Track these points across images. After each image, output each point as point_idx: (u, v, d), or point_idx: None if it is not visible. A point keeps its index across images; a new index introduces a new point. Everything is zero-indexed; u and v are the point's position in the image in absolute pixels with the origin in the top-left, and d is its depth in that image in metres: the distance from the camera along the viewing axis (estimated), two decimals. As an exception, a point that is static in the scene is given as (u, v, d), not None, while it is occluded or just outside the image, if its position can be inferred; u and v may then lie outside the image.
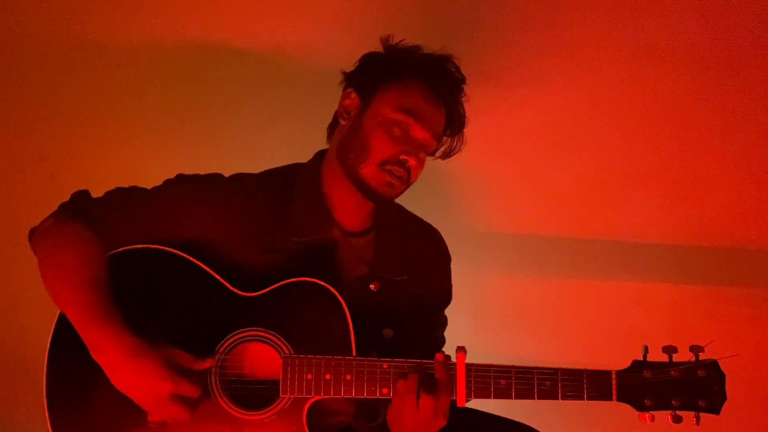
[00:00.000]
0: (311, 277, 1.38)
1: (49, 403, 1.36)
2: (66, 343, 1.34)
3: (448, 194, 1.99)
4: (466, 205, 2.01)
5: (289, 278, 1.39)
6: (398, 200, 1.53)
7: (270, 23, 1.92)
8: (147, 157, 1.95)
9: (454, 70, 1.51)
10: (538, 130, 1.95)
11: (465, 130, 1.56)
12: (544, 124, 1.94)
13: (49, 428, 1.36)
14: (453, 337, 1.63)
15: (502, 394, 1.32)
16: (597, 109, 1.93)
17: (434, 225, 1.66)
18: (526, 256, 2.00)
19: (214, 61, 1.94)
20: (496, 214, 2.01)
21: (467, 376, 1.32)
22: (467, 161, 1.63)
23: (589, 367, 1.33)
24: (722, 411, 1.32)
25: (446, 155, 1.58)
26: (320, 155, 1.56)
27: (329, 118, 1.57)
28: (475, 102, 1.57)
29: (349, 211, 1.50)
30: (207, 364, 1.34)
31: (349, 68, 1.54)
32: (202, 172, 1.51)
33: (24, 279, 1.47)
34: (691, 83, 1.90)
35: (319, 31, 1.91)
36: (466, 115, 1.55)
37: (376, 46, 1.53)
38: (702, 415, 1.31)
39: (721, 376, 1.31)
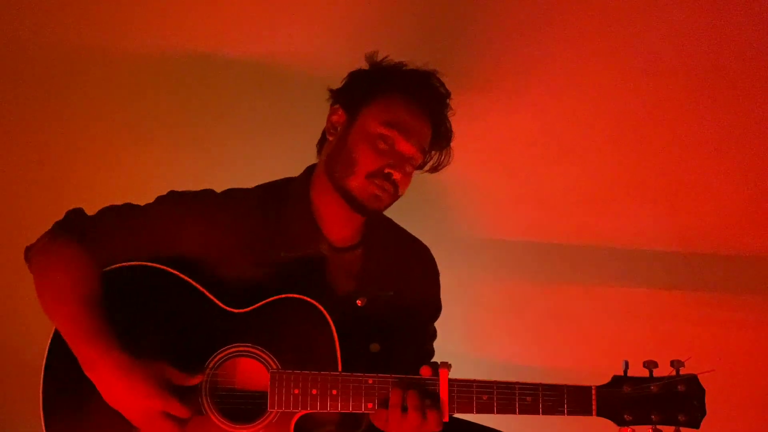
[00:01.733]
0: (299, 293, 1.41)
1: (45, 416, 1.40)
2: (62, 358, 1.37)
3: (439, 202, 2.01)
4: (457, 213, 2.03)
5: (277, 294, 1.41)
6: (391, 209, 1.55)
7: (266, 38, 1.95)
8: (142, 164, 1.99)
9: (438, 84, 1.53)
10: (529, 139, 1.97)
11: (456, 139, 1.59)
12: (534, 132, 1.96)
13: (46, 440, 1.40)
14: (444, 344, 1.66)
15: (485, 408, 1.35)
16: (587, 117, 1.94)
17: (426, 233, 1.68)
18: (517, 264, 2.02)
19: (212, 73, 1.97)
20: (487, 222, 2.03)
21: (450, 391, 1.35)
22: (458, 170, 1.66)
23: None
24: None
25: (434, 169, 1.60)
26: (310, 170, 1.59)
27: (321, 131, 1.59)
28: (466, 111, 1.60)
29: (338, 225, 1.53)
30: (197, 380, 1.37)
31: (338, 81, 1.57)
32: (196, 179, 1.54)
33: (23, 290, 1.49)
34: (682, 92, 1.91)
35: (315, 46, 1.93)
36: (454, 127, 1.57)
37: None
38: (682, 429, 1.33)
39: (701, 391, 1.33)
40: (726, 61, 1.88)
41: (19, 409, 1.64)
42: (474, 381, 1.35)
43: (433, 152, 1.58)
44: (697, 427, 1.33)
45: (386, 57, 1.54)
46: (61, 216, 1.49)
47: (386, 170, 1.44)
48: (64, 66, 1.95)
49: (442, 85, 1.54)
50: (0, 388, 2.00)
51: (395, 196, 1.50)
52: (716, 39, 1.88)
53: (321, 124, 1.58)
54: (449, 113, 1.56)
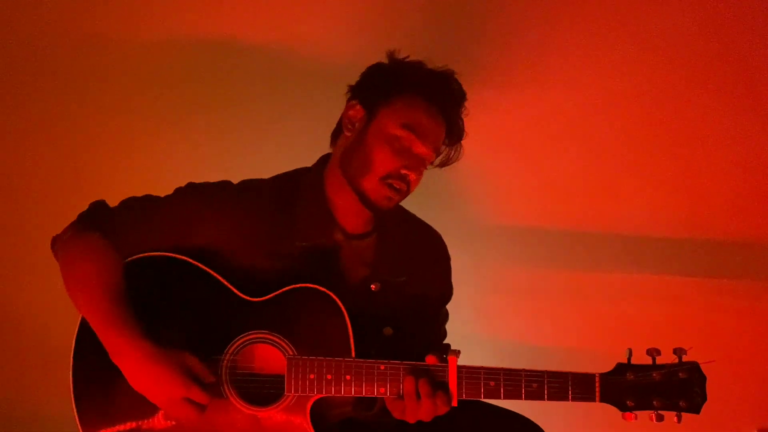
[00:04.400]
0: (314, 282, 1.46)
1: (76, 398, 1.47)
2: (89, 345, 1.44)
3: (451, 190, 2.04)
4: (469, 201, 2.06)
5: (293, 283, 1.47)
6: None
7: (282, 28, 1.96)
8: (159, 153, 2.03)
9: (456, 87, 1.55)
10: (538, 126, 1.98)
11: (468, 127, 1.60)
12: (543, 119, 1.97)
13: (77, 420, 1.48)
14: (456, 326, 1.71)
15: (492, 394, 1.40)
16: (595, 103, 1.95)
17: (438, 220, 1.71)
18: (527, 250, 2.05)
19: (228, 63, 1.99)
20: (498, 209, 2.06)
21: (459, 377, 1.40)
22: (470, 158, 1.67)
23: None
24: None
25: (443, 164, 1.62)
26: (324, 160, 1.62)
27: (336, 120, 1.61)
28: (477, 101, 1.60)
29: (351, 214, 1.57)
30: (213, 378, 1.43)
31: (356, 71, 1.58)
32: (212, 168, 1.59)
33: (51, 280, 1.55)
34: (689, 77, 1.91)
35: (330, 37, 1.94)
36: (466, 117, 1.59)
37: (383, 51, 1.56)
38: (684, 414, 1.37)
39: (702, 378, 1.36)
40: (736, 45, 1.87)
41: (51, 392, 1.72)
42: (482, 368, 1.40)
43: (443, 147, 1.59)
44: (697, 412, 1.36)
45: (407, 56, 1.55)
46: (83, 206, 1.55)
47: (402, 171, 1.48)
48: (80, 57, 1.98)
49: (460, 86, 1.55)
50: (33, 373, 2.08)
51: (406, 194, 1.54)
52: (723, 23, 1.87)
53: (335, 114, 1.60)
54: (463, 113, 1.58)
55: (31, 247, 1.84)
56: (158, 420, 1.46)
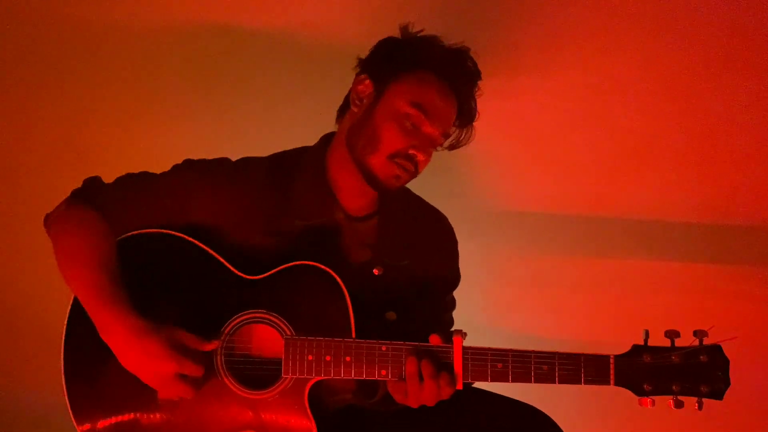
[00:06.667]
0: (313, 261, 1.41)
1: (67, 380, 1.42)
2: (82, 324, 1.39)
3: (459, 173, 1.98)
4: (477, 185, 2.00)
5: (291, 262, 1.41)
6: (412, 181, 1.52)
7: (283, 3, 1.92)
8: (161, 134, 1.99)
9: (471, 65, 1.49)
10: (551, 109, 1.92)
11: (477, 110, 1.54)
12: (556, 102, 1.91)
13: (68, 404, 1.42)
14: (465, 316, 1.65)
15: (499, 377, 1.33)
16: (610, 86, 1.89)
17: (446, 205, 1.65)
18: (538, 235, 2.00)
19: (230, 42, 1.94)
20: (508, 194, 2.00)
21: (464, 359, 1.33)
22: (479, 141, 1.61)
23: (600, 345, 1.33)
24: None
25: (453, 147, 1.56)
26: (327, 139, 1.57)
27: (338, 101, 1.57)
28: (487, 84, 1.54)
29: (353, 195, 1.51)
30: (212, 345, 1.38)
31: (360, 50, 1.53)
32: (214, 150, 1.53)
33: (44, 258, 1.50)
34: (704, 61, 1.84)
35: (332, 12, 1.89)
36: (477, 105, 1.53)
37: (389, 30, 1.51)
38: (705, 400, 1.29)
39: (725, 361, 1.29)
40: (753, 27, 1.80)
41: (42, 374, 1.68)
42: (489, 349, 1.34)
43: (453, 128, 1.52)
44: (720, 398, 1.29)
45: (421, 30, 1.49)
46: (79, 184, 1.51)
47: (410, 151, 1.42)
48: (84, 37, 1.94)
49: (475, 65, 1.49)
50: (24, 354, 2.04)
51: (414, 175, 1.49)
52: (741, 3, 1.79)
53: (337, 93, 1.55)
54: (477, 94, 1.52)
55: (28, 230, 1.80)
56: (153, 409, 1.40)
